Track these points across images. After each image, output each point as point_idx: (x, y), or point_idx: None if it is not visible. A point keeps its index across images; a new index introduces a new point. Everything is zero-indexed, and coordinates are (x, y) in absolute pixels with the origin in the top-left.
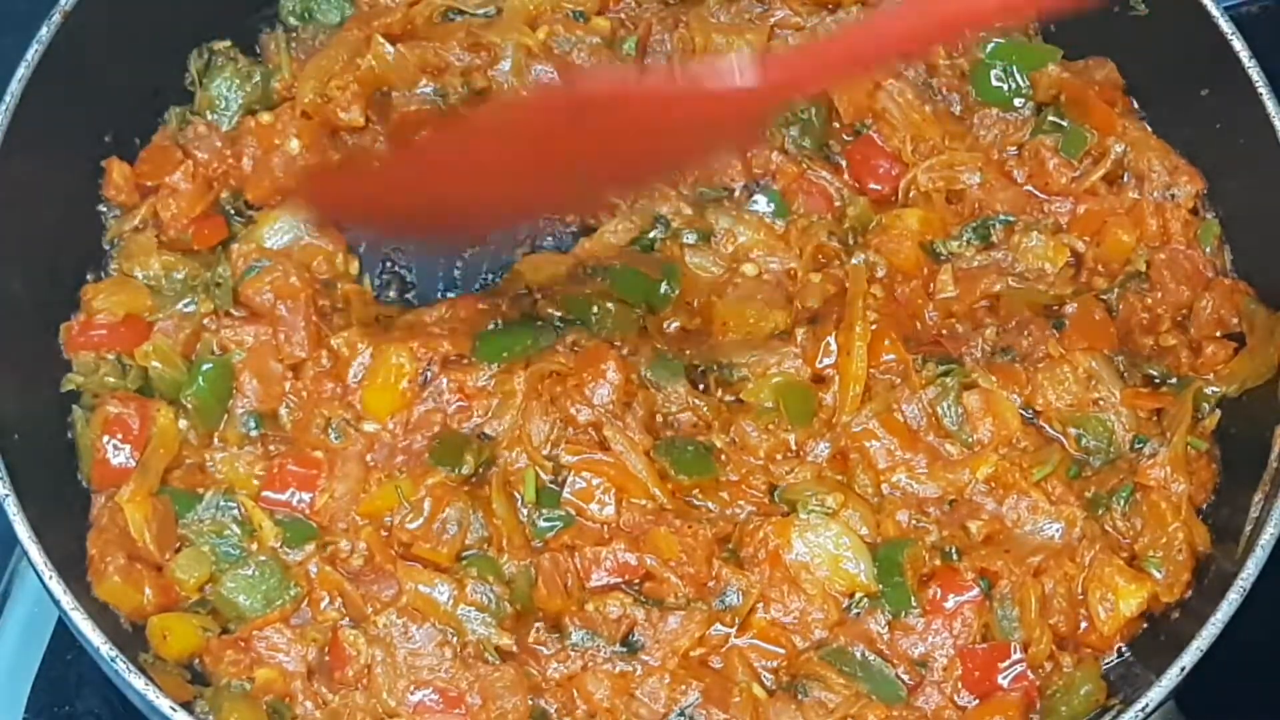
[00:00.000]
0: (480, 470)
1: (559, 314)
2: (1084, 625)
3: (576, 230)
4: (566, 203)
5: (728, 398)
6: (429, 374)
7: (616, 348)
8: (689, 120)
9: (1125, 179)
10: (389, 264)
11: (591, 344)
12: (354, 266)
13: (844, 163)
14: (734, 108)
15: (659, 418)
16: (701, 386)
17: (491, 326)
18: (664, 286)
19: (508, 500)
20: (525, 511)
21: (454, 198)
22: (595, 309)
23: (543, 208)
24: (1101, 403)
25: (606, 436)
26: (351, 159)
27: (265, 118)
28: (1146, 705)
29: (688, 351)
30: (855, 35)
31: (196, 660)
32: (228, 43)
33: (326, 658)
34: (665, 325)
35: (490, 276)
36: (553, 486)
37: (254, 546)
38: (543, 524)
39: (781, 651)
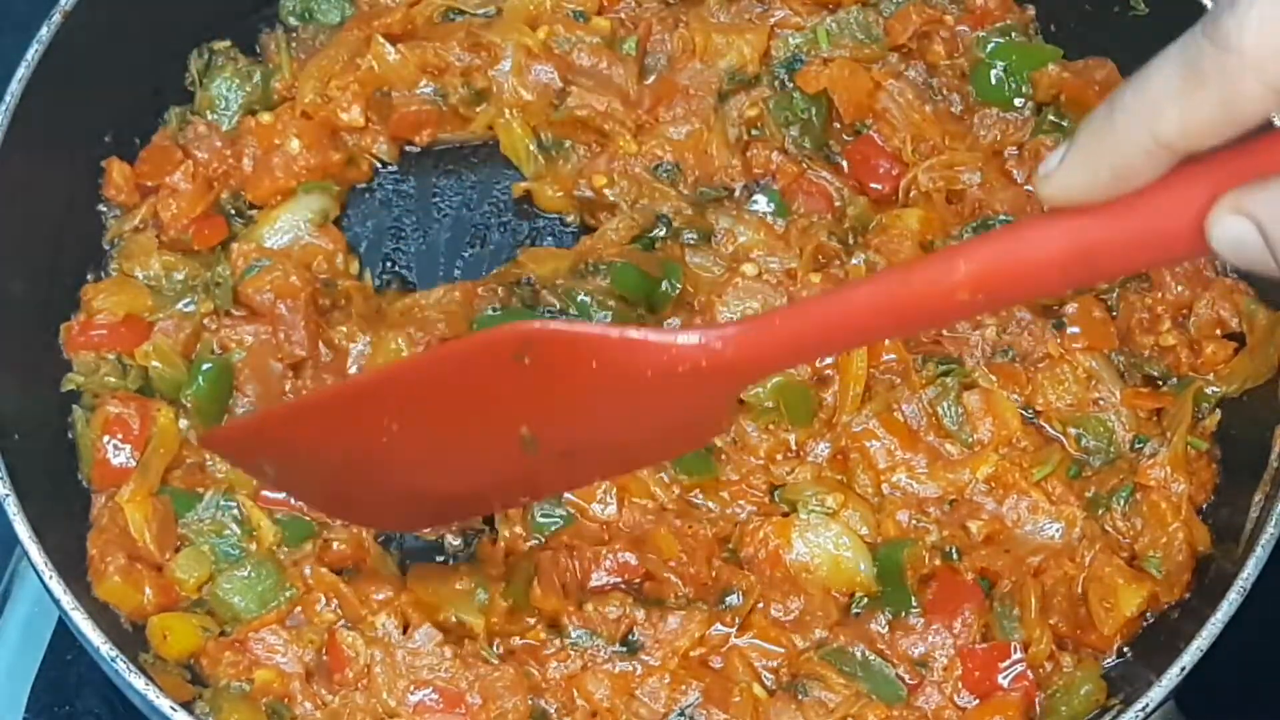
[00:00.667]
0: None
1: (559, 306)
2: (1084, 625)
3: (577, 230)
4: (506, 489)
5: None
6: None
7: None
8: (641, 391)
9: None
10: (389, 264)
11: None
12: (354, 266)
13: (844, 162)
14: (696, 383)
15: None
16: None
17: (489, 311)
18: (665, 285)
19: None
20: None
21: (377, 465)
22: (595, 306)
23: (473, 496)
24: (1101, 403)
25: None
26: (265, 413)
27: (265, 118)
28: (1146, 705)
29: None
30: (837, 307)
31: (194, 661)
32: (228, 43)
33: (325, 658)
34: (665, 324)
35: None
36: None
37: (253, 546)
38: (541, 518)
39: (781, 651)
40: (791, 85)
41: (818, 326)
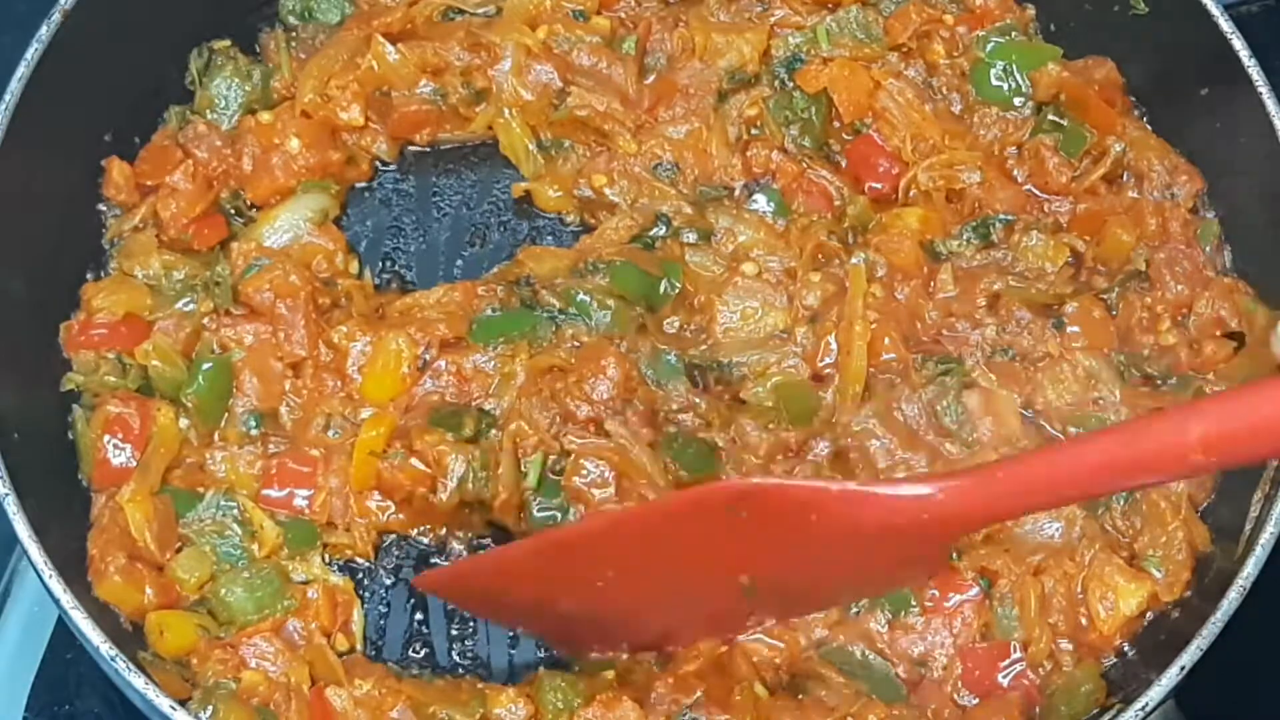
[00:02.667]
0: (482, 431)
1: (558, 305)
2: (1084, 625)
3: (577, 229)
4: (719, 626)
5: (727, 396)
6: (427, 356)
7: (616, 345)
8: (859, 540)
9: (1125, 178)
10: (389, 263)
11: (592, 341)
12: (354, 265)
13: (844, 162)
14: (914, 533)
15: (660, 414)
16: (701, 385)
17: (489, 311)
18: (664, 285)
19: (513, 458)
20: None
21: (593, 606)
22: (595, 305)
23: (688, 627)
24: (1101, 402)
25: (609, 430)
26: (482, 560)
27: (265, 117)
28: (1146, 705)
29: (690, 352)
30: (1063, 462)
31: (186, 659)
32: (228, 42)
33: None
34: (665, 323)
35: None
36: (554, 476)
37: (255, 547)
38: (539, 513)
39: (782, 646)
40: (791, 84)
41: (1042, 481)
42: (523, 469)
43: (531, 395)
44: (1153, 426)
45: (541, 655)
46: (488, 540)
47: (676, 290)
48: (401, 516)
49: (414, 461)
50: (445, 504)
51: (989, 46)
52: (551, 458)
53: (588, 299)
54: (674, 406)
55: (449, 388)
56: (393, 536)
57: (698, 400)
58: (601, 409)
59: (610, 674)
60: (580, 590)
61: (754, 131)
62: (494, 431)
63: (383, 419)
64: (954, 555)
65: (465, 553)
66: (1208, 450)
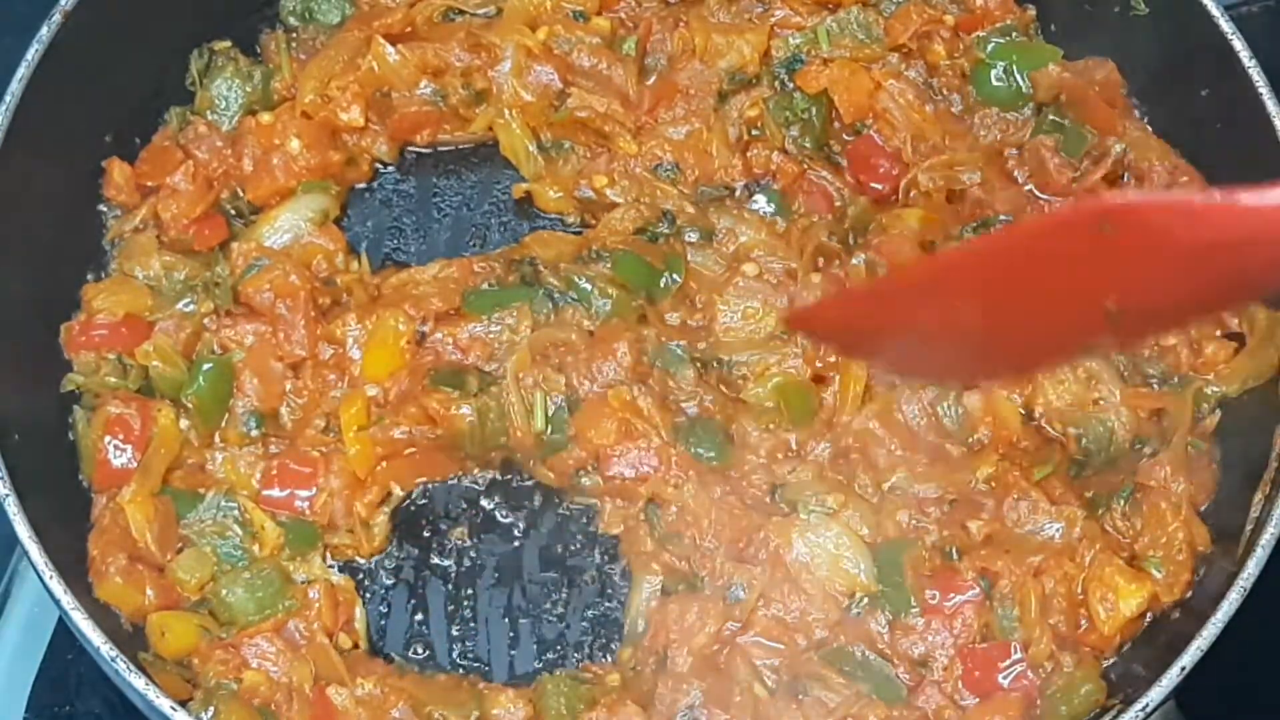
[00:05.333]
0: (484, 388)
1: (559, 287)
2: (1084, 625)
3: (578, 230)
4: (1072, 349)
5: (724, 387)
6: (424, 330)
7: (630, 331)
8: (1228, 248)
9: (1125, 179)
10: (389, 263)
11: (606, 325)
12: (354, 266)
13: (844, 162)
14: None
15: (669, 399)
16: (704, 378)
17: (485, 287)
18: (666, 278)
19: (519, 395)
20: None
21: (959, 334)
22: (596, 293)
23: (1047, 353)
24: (1101, 403)
25: (626, 397)
26: (850, 293)
27: (265, 118)
28: (1146, 705)
29: (699, 346)
30: None
31: (188, 659)
32: (228, 43)
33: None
34: (666, 317)
35: None
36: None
37: (256, 548)
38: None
39: (782, 648)
40: (792, 85)
41: None
42: (527, 405)
43: (536, 358)
44: None
45: (542, 658)
46: (496, 501)
47: (678, 284)
48: (422, 480)
49: (410, 410)
50: (464, 429)
51: (989, 47)
52: (559, 398)
53: (589, 286)
54: (682, 395)
55: (447, 355)
56: (393, 536)
57: (706, 396)
58: (610, 381)
59: (614, 678)
60: (949, 319)
61: (754, 132)
62: (494, 389)
63: (354, 398)
64: (954, 555)
65: (464, 548)
66: None
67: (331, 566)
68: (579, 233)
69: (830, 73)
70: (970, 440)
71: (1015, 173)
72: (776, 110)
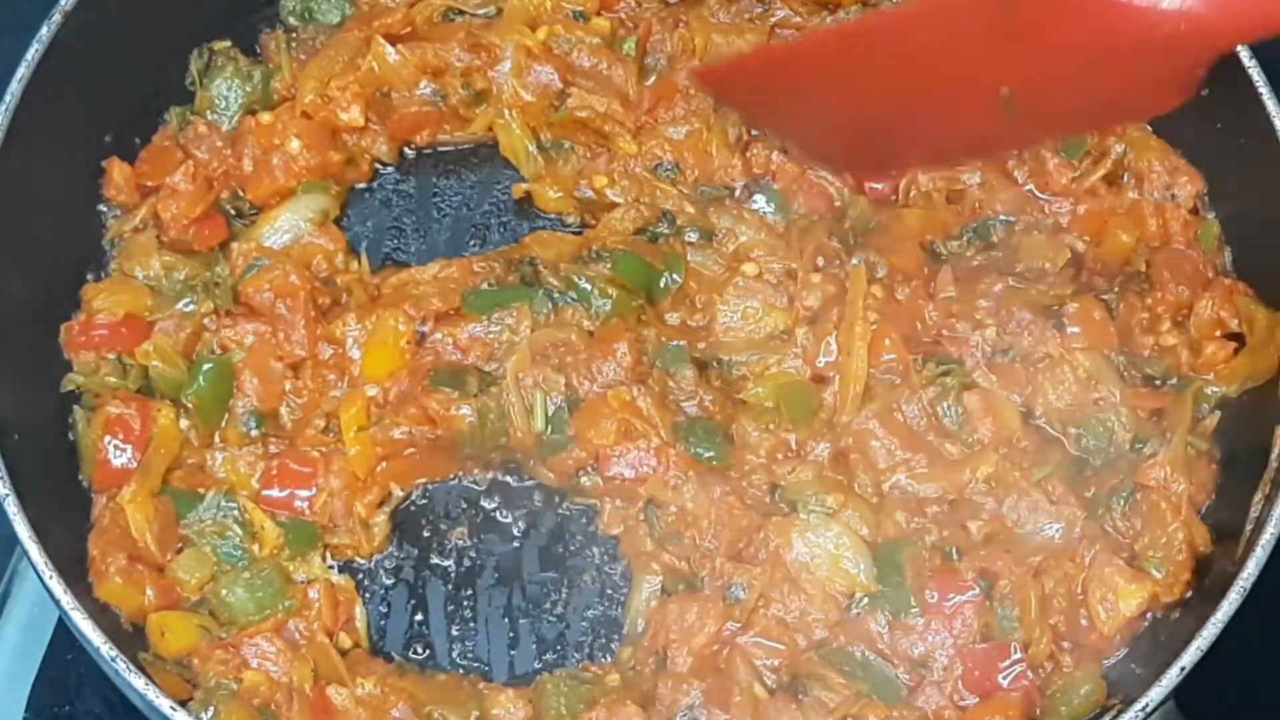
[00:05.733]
0: (483, 388)
1: (559, 287)
2: (1084, 625)
3: (578, 230)
4: (969, 145)
5: (721, 382)
6: (424, 330)
7: (630, 331)
8: (1123, 49)
9: (1125, 179)
10: (389, 263)
11: (606, 325)
12: (354, 265)
13: None
14: (1178, 42)
15: (669, 398)
16: (704, 378)
17: (485, 287)
18: (666, 278)
19: (519, 395)
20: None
21: (861, 108)
22: (596, 293)
23: (949, 142)
24: (1101, 403)
25: (625, 398)
26: (760, 52)
27: (265, 118)
28: (1146, 705)
29: (699, 346)
30: None
31: (188, 660)
32: (228, 43)
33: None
34: (665, 317)
35: None
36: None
37: (256, 548)
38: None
39: (783, 648)
40: None
41: None
42: (527, 404)
43: (536, 358)
44: None
45: (542, 658)
46: (496, 502)
47: (678, 284)
48: (422, 481)
49: (410, 410)
50: (464, 429)
51: None
52: (559, 398)
53: (589, 286)
54: (682, 395)
55: (447, 355)
56: (393, 537)
57: (706, 396)
58: (610, 382)
59: (614, 678)
60: (852, 88)
61: (754, 132)
62: (494, 389)
63: (354, 398)
64: (954, 555)
65: (464, 548)
66: None
67: (331, 566)
68: (579, 233)
69: None
70: (970, 440)
71: (1015, 173)
72: None
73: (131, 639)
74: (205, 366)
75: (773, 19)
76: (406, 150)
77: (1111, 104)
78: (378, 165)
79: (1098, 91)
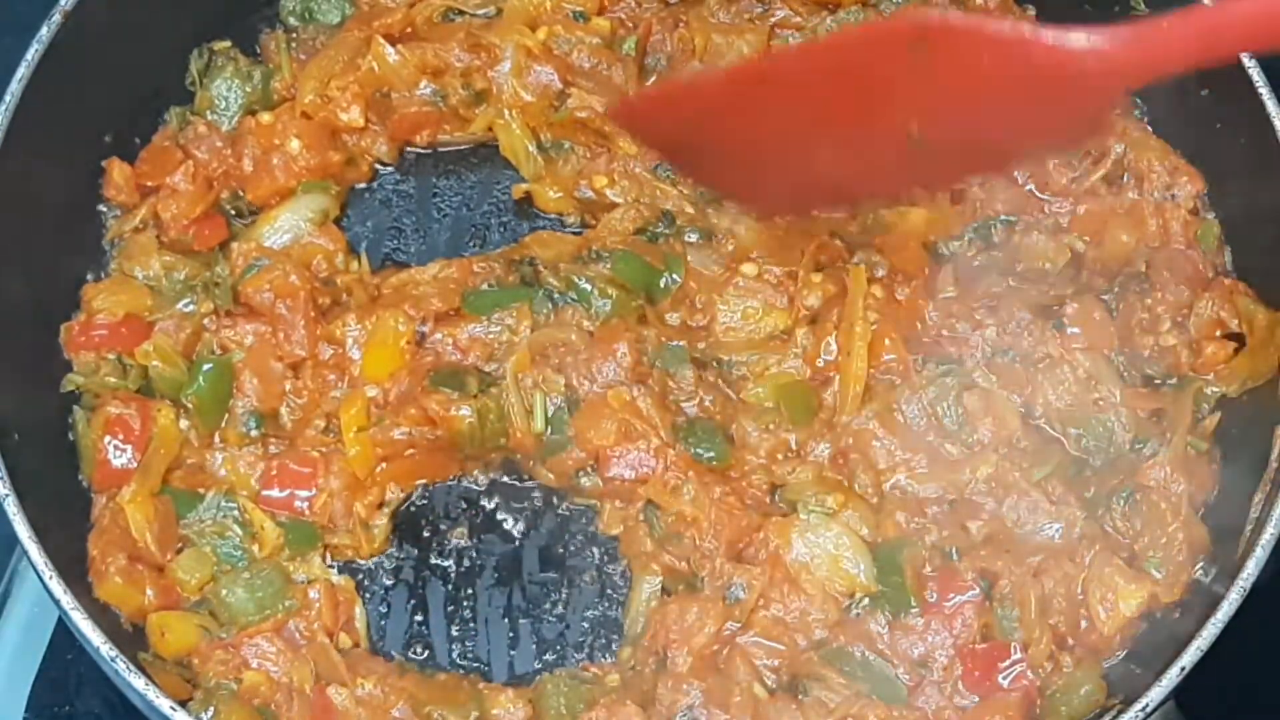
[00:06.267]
0: (483, 389)
1: (559, 287)
2: (1084, 625)
3: (578, 230)
4: (881, 183)
5: (723, 383)
6: (424, 330)
7: (630, 331)
8: (1033, 87)
9: (1125, 179)
10: (389, 263)
11: (606, 325)
12: (354, 266)
13: None
14: (1086, 80)
15: (669, 399)
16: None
17: (485, 287)
18: (665, 278)
19: (519, 395)
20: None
21: (771, 146)
22: (596, 293)
23: (858, 181)
24: (1101, 403)
25: (625, 398)
26: (671, 85)
27: (265, 118)
28: (1146, 705)
29: (699, 346)
30: (1224, 13)
31: (188, 660)
32: (228, 43)
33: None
34: (665, 317)
35: None
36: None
37: (256, 548)
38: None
39: (783, 648)
40: None
41: (1204, 31)
42: (527, 405)
43: (536, 358)
44: None
45: (542, 658)
46: (496, 502)
47: (677, 284)
48: (422, 482)
49: (410, 411)
50: (464, 430)
51: None
52: (558, 399)
53: (589, 286)
54: (682, 396)
55: (447, 356)
56: (393, 537)
57: (706, 396)
58: (609, 383)
59: (614, 678)
60: (761, 124)
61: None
62: (494, 390)
63: (354, 399)
64: (954, 555)
65: (464, 548)
66: None
67: (331, 567)
68: (579, 233)
69: None
70: (970, 440)
71: (1016, 173)
72: None
73: (131, 639)
74: (205, 367)
75: (773, 19)
76: (406, 150)
77: (1021, 141)
78: (378, 165)
79: (1007, 128)
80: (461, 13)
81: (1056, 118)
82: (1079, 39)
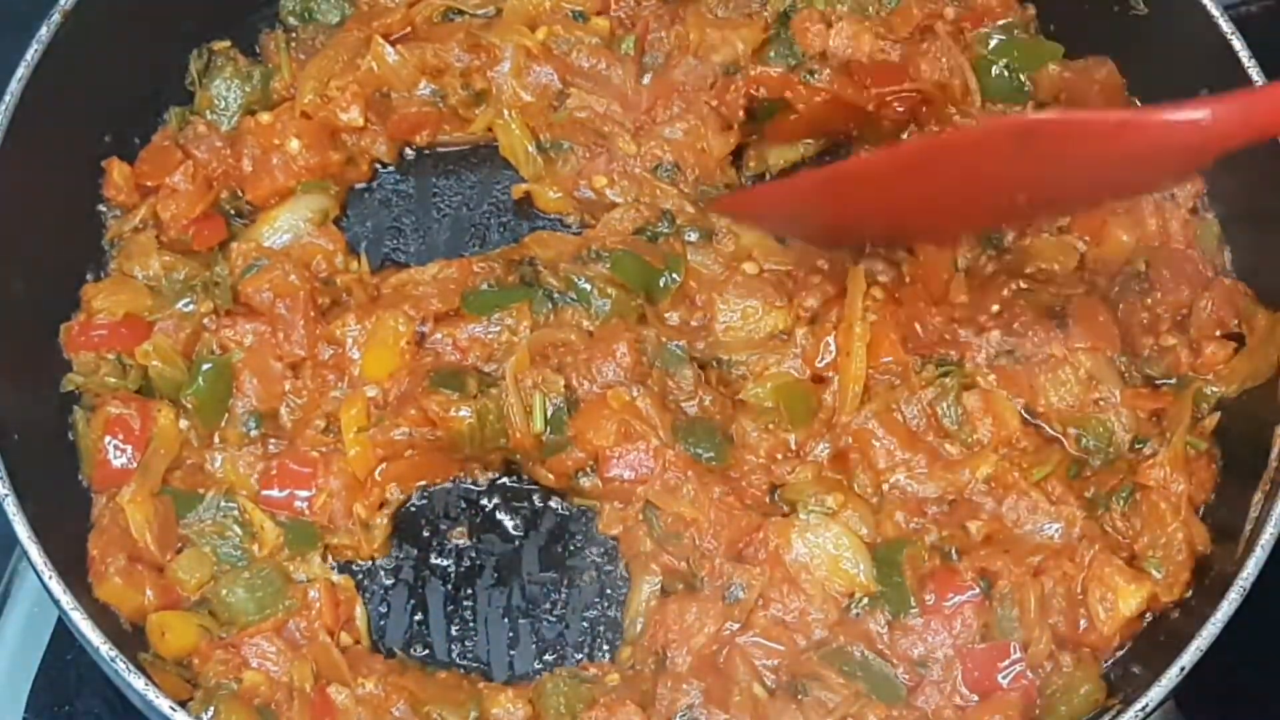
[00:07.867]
0: (483, 390)
1: (558, 287)
2: (1084, 625)
3: (578, 230)
4: (977, 228)
5: (723, 387)
6: (424, 330)
7: (630, 331)
8: (1132, 160)
9: None
10: (389, 263)
11: (606, 325)
12: (354, 266)
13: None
14: (1189, 150)
15: (668, 399)
16: (704, 378)
17: (484, 287)
18: (665, 278)
19: (518, 395)
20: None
21: (868, 222)
22: (595, 293)
23: (949, 233)
24: (1102, 403)
25: (625, 398)
26: (784, 188)
27: (265, 118)
28: (1146, 705)
29: (699, 346)
30: None
31: (188, 660)
32: (228, 43)
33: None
34: (665, 317)
35: None
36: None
37: (256, 548)
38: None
39: (782, 648)
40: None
41: None
42: (526, 405)
43: (536, 358)
44: None
45: (541, 658)
46: (496, 502)
47: (677, 284)
48: (422, 483)
49: (410, 411)
50: (464, 430)
51: (991, 44)
52: (558, 399)
53: (589, 286)
54: (682, 395)
55: (447, 356)
56: (392, 537)
57: (706, 396)
58: (609, 383)
59: (614, 678)
60: (871, 208)
61: (754, 136)
62: (494, 391)
63: (354, 399)
64: (954, 555)
65: (464, 548)
66: None
67: (331, 567)
68: (579, 233)
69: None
70: (970, 440)
71: None
72: (777, 58)
73: (131, 639)
74: (205, 366)
75: (767, 15)
76: (406, 150)
77: (1115, 194)
78: (377, 165)
79: (1106, 187)
80: (461, 13)
81: (1152, 177)
82: (1186, 116)
